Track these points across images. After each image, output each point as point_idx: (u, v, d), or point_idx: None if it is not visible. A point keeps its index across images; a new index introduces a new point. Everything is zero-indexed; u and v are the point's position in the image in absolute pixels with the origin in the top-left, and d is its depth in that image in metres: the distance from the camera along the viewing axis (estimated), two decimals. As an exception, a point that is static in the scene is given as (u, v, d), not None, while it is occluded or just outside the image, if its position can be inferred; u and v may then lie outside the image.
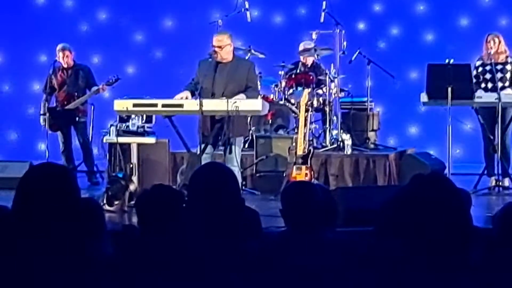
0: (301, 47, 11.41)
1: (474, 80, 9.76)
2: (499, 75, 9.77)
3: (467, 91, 9.36)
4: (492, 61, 9.79)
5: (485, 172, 9.99)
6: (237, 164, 8.72)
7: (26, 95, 13.68)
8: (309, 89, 10.32)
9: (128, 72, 13.92)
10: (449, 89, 9.26)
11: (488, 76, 9.80)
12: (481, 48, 10.05)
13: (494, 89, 9.63)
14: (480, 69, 9.88)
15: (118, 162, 9.09)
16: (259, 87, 10.35)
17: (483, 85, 9.82)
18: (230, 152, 8.73)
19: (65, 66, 11.04)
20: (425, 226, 2.72)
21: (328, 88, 10.84)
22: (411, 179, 2.84)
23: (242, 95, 8.70)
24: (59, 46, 11.09)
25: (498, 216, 3.45)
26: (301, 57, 11.40)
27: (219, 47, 8.82)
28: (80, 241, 2.94)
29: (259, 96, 9.82)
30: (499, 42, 9.85)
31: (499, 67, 9.81)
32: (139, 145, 9.20)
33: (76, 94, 10.94)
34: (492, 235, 3.37)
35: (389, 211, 3.26)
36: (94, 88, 10.88)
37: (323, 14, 11.12)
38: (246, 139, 9.79)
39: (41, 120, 10.93)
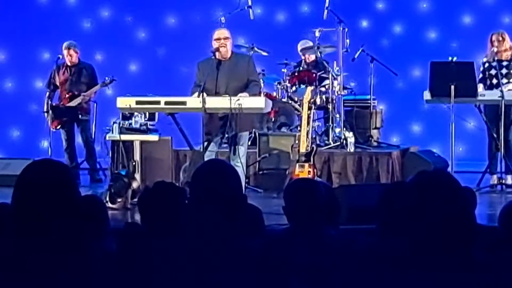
0: (299, 47, 11.41)
1: (481, 76, 9.81)
2: (504, 71, 9.79)
3: (470, 88, 9.36)
4: (496, 58, 9.79)
5: (488, 170, 9.98)
6: (241, 163, 8.70)
7: (29, 93, 13.68)
8: (312, 87, 10.31)
9: (131, 69, 13.93)
10: (452, 86, 9.26)
11: (493, 72, 9.80)
12: (484, 45, 10.05)
13: (498, 86, 9.64)
14: (486, 65, 9.90)
15: (121, 159, 9.09)
16: (261, 82, 10.35)
17: (488, 82, 9.84)
18: (234, 153, 8.73)
19: (69, 64, 11.05)
20: (428, 223, 2.72)
21: (331, 85, 10.83)
22: (414, 176, 2.83)
23: (245, 94, 8.70)
24: (65, 44, 11.10)
25: (502, 214, 3.45)
26: (302, 55, 11.40)
27: (225, 38, 8.84)
28: (83, 238, 2.94)
29: (262, 94, 9.82)
30: (504, 40, 9.86)
31: (504, 63, 9.84)
32: (142, 142, 9.19)
33: (77, 92, 10.95)
34: (496, 233, 3.37)
35: (390, 208, 3.26)
36: (86, 93, 10.92)
37: (326, 11, 11.11)
38: (249, 136, 9.78)
39: (46, 117, 10.95)
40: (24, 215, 2.89)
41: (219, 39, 8.88)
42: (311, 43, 11.27)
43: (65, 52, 11.02)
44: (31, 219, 2.88)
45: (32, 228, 2.88)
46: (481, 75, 9.89)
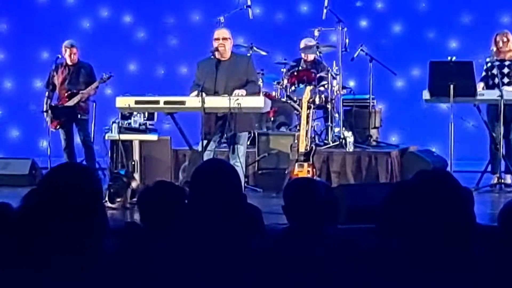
0: (302, 44, 11.40)
1: (484, 74, 9.82)
2: (505, 70, 9.79)
3: (469, 88, 9.36)
4: (497, 58, 9.80)
5: (489, 169, 9.97)
6: (240, 162, 8.71)
7: (28, 93, 13.68)
8: (311, 87, 10.31)
9: (130, 69, 13.92)
10: (451, 86, 9.26)
11: (495, 71, 9.80)
12: (483, 45, 10.05)
13: (499, 85, 9.64)
14: (489, 64, 9.90)
15: (120, 159, 9.09)
16: (260, 81, 10.35)
17: (490, 81, 9.85)
18: (234, 152, 8.73)
19: (69, 63, 11.03)
20: (427, 223, 2.72)
21: (330, 85, 10.83)
22: (414, 175, 2.83)
23: (242, 90, 8.71)
24: (67, 42, 11.06)
25: (502, 213, 3.45)
26: (302, 54, 11.40)
27: (224, 39, 8.84)
28: (83, 238, 2.94)
29: (261, 93, 9.82)
30: (508, 40, 9.87)
31: (506, 63, 9.84)
32: (141, 142, 9.20)
33: (75, 92, 10.94)
34: (495, 233, 3.37)
35: (391, 208, 3.26)
36: (84, 91, 10.91)
37: (325, 11, 11.11)
38: (248, 136, 9.79)
39: (45, 115, 10.95)
40: (37, 216, 2.89)
41: (218, 39, 8.90)
42: (314, 41, 11.26)
43: (67, 50, 10.98)
44: (43, 221, 2.87)
45: (37, 228, 2.88)
46: (484, 73, 9.89)
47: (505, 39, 9.86)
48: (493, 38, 9.93)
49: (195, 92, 8.74)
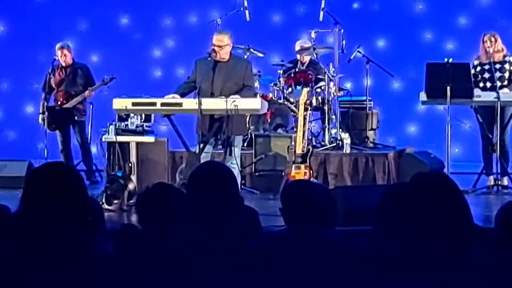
0: (297, 47, 11.41)
1: (472, 79, 9.77)
2: (497, 74, 9.76)
3: (466, 90, 9.36)
4: (491, 60, 9.77)
5: (484, 171, 9.98)
6: (237, 164, 8.72)
7: (25, 94, 13.67)
8: (308, 88, 10.32)
9: (126, 71, 13.91)
10: (448, 88, 9.27)
11: (486, 75, 9.79)
12: (479, 47, 10.04)
13: (492, 88, 9.62)
14: (478, 68, 9.87)
15: (117, 161, 9.08)
16: (256, 86, 10.36)
17: (481, 84, 9.82)
18: (230, 154, 8.74)
19: (64, 64, 11.03)
20: (424, 225, 2.72)
21: (327, 86, 10.83)
22: (412, 177, 2.84)
23: (236, 96, 8.70)
24: (58, 45, 11.10)
25: (499, 215, 3.45)
26: (298, 56, 11.40)
27: (220, 46, 8.83)
28: (81, 240, 2.94)
29: (258, 95, 9.83)
30: (496, 41, 9.83)
31: (497, 66, 9.81)
32: (138, 144, 9.19)
33: (73, 93, 10.95)
34: (492, 234, 3.37)
35: (388, 210, 3.26)
36: (85, 93, 10.91)
37: (322, 13, 11.11)
38: (245, 138, 9.79)
39: (40, 119, 10.94)
40: (31, 217, 2.89)
41: (214, 45, 8.89)
42: (309, 43, 11.26)
43: (58, 52, 11.01)
44: (36, 221, 2.88)
45: (35, 230, 2.88)
46: (472, 79, 9.82)
47: (493, 39, 9.80)
48: (481, 39, 9.89)
49: (171, 96, 8.80)
